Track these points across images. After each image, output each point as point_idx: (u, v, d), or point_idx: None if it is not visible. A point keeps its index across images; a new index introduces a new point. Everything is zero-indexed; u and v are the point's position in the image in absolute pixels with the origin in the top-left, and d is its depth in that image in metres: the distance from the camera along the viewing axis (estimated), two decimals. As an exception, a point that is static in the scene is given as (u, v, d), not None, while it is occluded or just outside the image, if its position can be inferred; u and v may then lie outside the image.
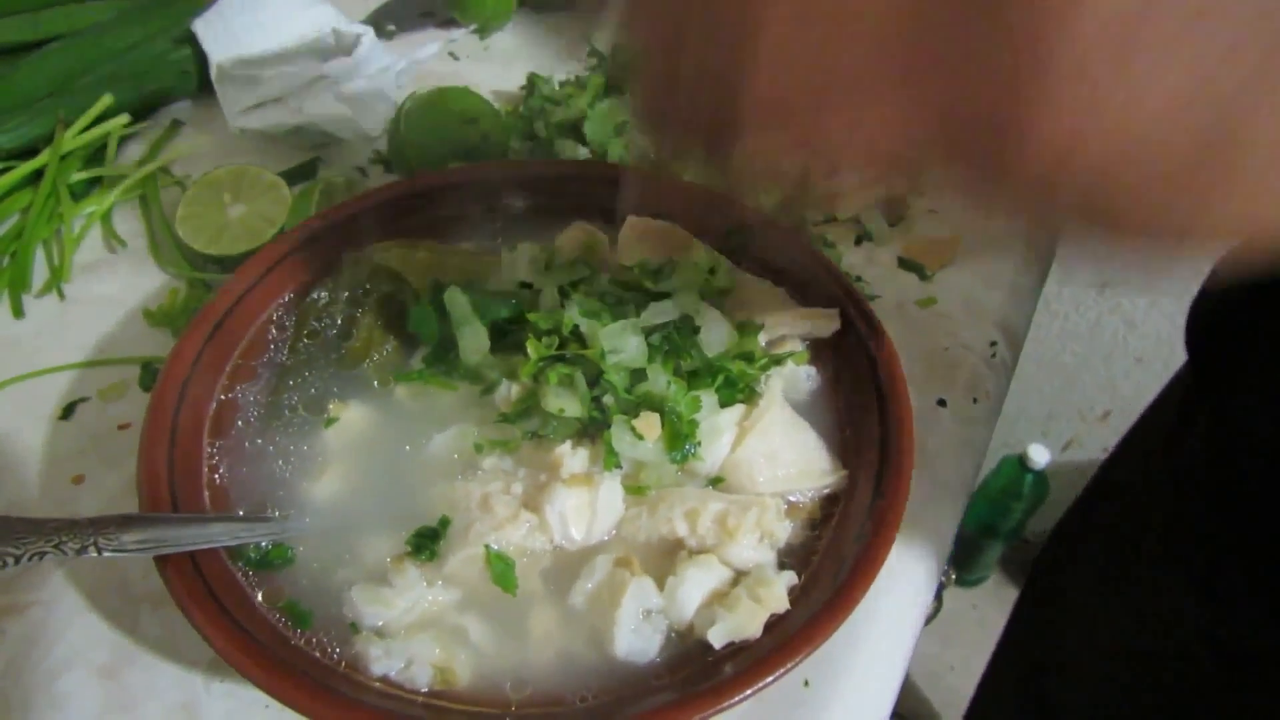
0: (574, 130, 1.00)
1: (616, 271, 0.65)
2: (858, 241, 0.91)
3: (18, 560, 0.45)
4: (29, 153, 0.97)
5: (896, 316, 0.81)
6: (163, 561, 0.51)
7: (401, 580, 0.53)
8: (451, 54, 1.18)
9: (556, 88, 1.10)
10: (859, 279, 0.84)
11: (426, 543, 0.55)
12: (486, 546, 0.54)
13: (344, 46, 0.99)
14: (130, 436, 0.75)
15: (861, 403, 0.64)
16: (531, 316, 0.60)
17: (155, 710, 0.59)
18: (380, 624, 0.52)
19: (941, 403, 0.75)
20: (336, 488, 0.59)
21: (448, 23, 1.20)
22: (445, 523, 0.56)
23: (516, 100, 1.09)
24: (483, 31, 1.21)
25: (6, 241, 0.91)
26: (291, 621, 0.52)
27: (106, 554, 0.48)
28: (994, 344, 0.79)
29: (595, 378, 0.58)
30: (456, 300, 0.61)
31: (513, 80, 1.13)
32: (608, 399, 0.57)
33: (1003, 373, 0.80)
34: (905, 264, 0.87)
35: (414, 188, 0.74)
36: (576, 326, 0.58)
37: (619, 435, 0.56)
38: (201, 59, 1.03)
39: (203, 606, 0.49)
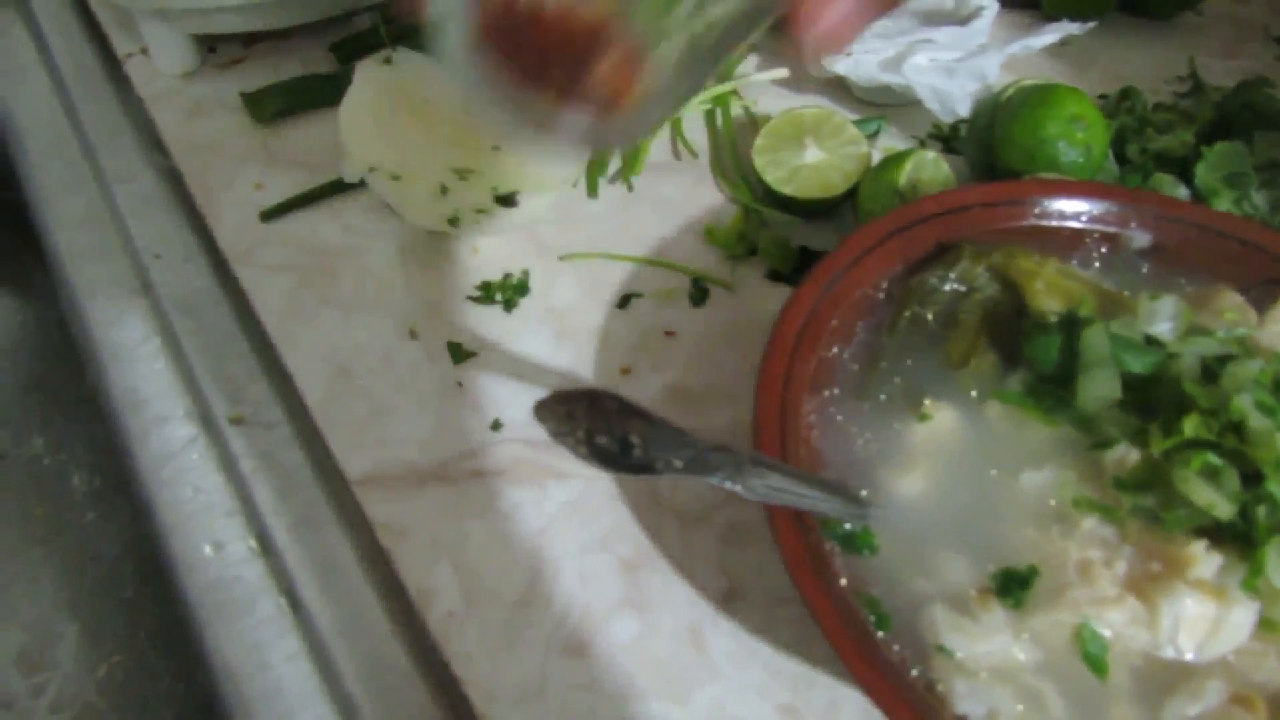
0: (1172, 165, 0.91)
1: (1270, 361, 0.57)
2: None
3: (667, 468, 0.47)
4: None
5: None
6: (773, 513, 0.51)
7: (987, 618, 0.50)
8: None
9: (1151, 108, 1.00)
10: None
11: (1014, 588, 0.52)
12: (1084, 621, 0.50)
13: (960, 15, 0.94)
14: (673, 345, 0.77)
15: None
16: (1190, 389, 0.54)
17: (667, 622, 0.61)
18: (960, 656, 0.50)
19: None
20: (920, 490, 0.57)
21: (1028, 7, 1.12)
22: (1035, 572, 0.52)
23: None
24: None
25: (593, 123, 0.96)
26: (873, 617, 0.51)
27: (727, 485, 0.49)
28: None
29: (1242, 479, 0.51)
30: (1097, 340, 0.56)
31: (1087, 87, 1.04)
32: (1261, 510, 0.50)
33: None
34: None
35: (1054, 193, 0.69)
36: (1244, 417, 0.51)
37: (1277, 560, 0.49)
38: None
39: (806, 571, 0.49)
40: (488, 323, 0.78)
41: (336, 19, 1.08)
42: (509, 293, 0.81)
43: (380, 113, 0.81)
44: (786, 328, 0.60)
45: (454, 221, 0.79)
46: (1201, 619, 0.49)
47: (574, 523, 0.66)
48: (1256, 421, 0.51)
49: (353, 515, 0.66)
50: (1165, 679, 0.50)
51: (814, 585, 0.49)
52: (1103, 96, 1.04)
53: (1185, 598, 0.49)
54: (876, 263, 0.66)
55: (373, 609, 0.62)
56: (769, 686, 0.59)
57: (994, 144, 0.89)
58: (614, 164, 0.94)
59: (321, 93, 0.98)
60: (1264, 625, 0.50)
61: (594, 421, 0.46)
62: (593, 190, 0.91)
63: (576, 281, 0.82)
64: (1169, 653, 0.50)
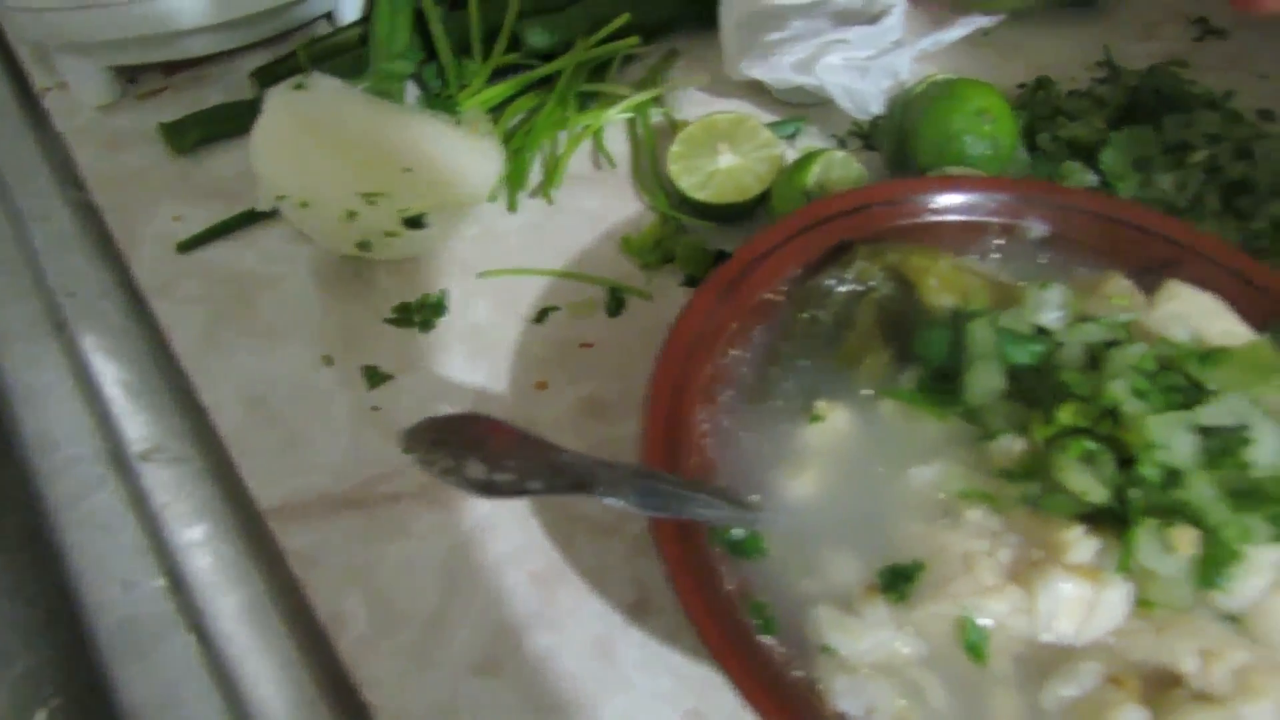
0: (1083, 152, 0.92)
1: (1155, 345, 0.58)
2: None
3: (543, 489, 0.47)
4: (541, 56, 1.02)
5: None
6: (656, 524, 0.52)
7: (871, 614, 0.51)
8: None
9: (1065, 96, 1.02)
10: None
11: (898, 582, 0.52)
12: (965, 612, 0.51)
13: (870, 14, 0.95)
14: (590, 357, 0.78)
15: None
16: (1067, 377, 0.54)
17: (577, 634, 0.62)
18: (843, 654, 0.50)
19: None
20: (810, 490, 0.57)
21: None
22: (919, 567, 0.53)
23: (1011, 100, 1.01)
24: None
25: (511, 138, 0.96)
26: (759, 621, 0.52)
27: (607, 500, 0.49)
28: None
29: (1120, 463, 0.52)
30: (982, 335, 0.57)
31: (1008, 76, 1.05)
32: (1133, 493, 0.51)
33: None
34: None
35: (943, 189, 0.70)
36: (1118, 403, 0.52)
37: (1147, 541, 0.50)
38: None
39: (687, 579, 0.50)
40: (404, 345, 0.79)
41: (259, 45, 1.08)
42: (426, 314, 0.81)
43: (291, 140, 0.81)
44: (678, 337, 0.61)
45: (365, 246, 0.79)
46: (1078, 602, 0.50)
47: (487, 541, 0.66)
48: (1130, 406, 0.52)
49: (264, 546, 0.66)
50: (1046, 664, 0.51)
51: (693, 593, 0.49)
52: (1024, 86, 1.05)
53: (1061, 582, 0.50)
54: (776, 266, 0.67)
55: (283, 640, 0.62)
56: (677, 693, 0.59)
57: (906, 140, 0.90)
58: (534, 177, 0.94)
59: (242, 120, 0.97)
60: (1141, 605, 0.51)
61: (464, 447, 0.47)
62: (512, 205, 0.91)
63: (494, 298, 0.83)
64: (1049, 637, 0.51)
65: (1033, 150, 0.93)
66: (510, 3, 1.02)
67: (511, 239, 0.88)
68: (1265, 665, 0.48)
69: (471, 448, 0.47)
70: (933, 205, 0.70)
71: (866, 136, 1.00)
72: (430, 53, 1.04)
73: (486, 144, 0.86)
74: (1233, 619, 0.51)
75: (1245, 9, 0.46)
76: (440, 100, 0.97)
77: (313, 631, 0.62)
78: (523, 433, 0.49)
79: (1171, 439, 0.51)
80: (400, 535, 0.66)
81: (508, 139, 0.96)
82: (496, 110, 0.99)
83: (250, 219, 0.88)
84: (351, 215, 0.77)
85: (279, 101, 0.83)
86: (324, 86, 0.85)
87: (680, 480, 0.53)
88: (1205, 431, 0.53)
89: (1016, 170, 0.89)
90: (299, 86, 0.84)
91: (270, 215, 0.87)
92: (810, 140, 0.99)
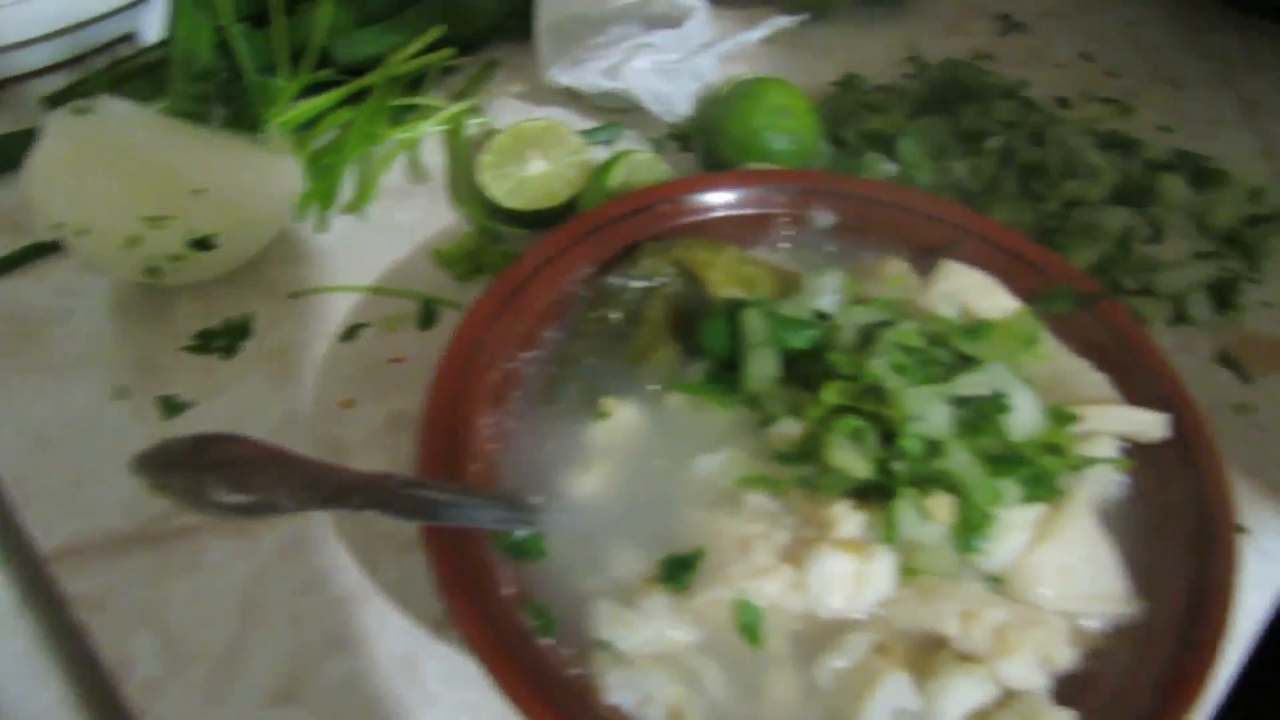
0: (884, 143, 0.94)
1: (925, 321, 0.60)
2: (1173, 322, 0.82)
3: (298, 506, 0.46)
4: (356, 71, 1.01)
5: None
6: (428, 533, 0.51)
7: (649, 606, 0.51)
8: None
9: (869, 92, 1.05)
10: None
11: (678, 572, 0.53)
12: (740, 595, 0.51)
13: (672, 18, 0.97)
14: (400, 372, 0.77)
15: (1170, 528, 0.57)
16: (834, 358, 0.56)
17: (380, 654, 0.61)
18: (619, 648, 0.50)
19: (1239, 529, 0.66)
20: (596, 488, 0.57)
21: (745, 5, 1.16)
22: (699, 555, 0.53)
23: (823, 97, 1.04)
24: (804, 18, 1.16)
25: (322, 155, 0.95)
26: (538, 623, 0.51)
27: (367, 511, 0.48)
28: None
29: (886, 437, 0.54)
30: (753, 323, 0.58)
31: (821, 75, 1.08)
32: (897, 465, 0.52)
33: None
34: (1225, 360, 0.77)
35: (725, 185, 0.71)
36: (879, 380, 0.54)
37: (905, 511, 0.51)
38: (528, 4, 1.03)
39: (458, 590, 0.49)
40: (205, 372, 0.76)
41: (54, 69, 1.03)
42: (228, 338, 0.79)
43: (68, 166, 0.77)
44: (458, 344, 0.60)
45: (153, 272, 0.76)
46: (846, 576, 0.51)
47: (286, 567, 0.64)
48: (891, 382, 0.53)
49: (44, 593, 0.63)
50: (820, 639, 0.52)
51: (463, 601, 0.49)
52: (836, 84, 1.07)
53: (829, 558, 0.51)
54: (565, 268, 0.67)
55: (62, 690, 0.59)
56: (482, 704, 0.58)
57: (713, 139, 0.91)
58: (348, 193, 0.92)
59: (29, 149, 0.93)
60: (908, 574, 0.52)
61: (205, 469, 0.45)
62: (320, 225, 0.89)
63: (302, 318, 0.81)
64: (822, 613, 0.52)
65: (837, 143, 0.96)
66: (318, 20, 1.00)
67: (323, 257, 0.86)
68: (1021, 621, 0.50)
69: (214, 469, 0.45)
70: (718, 200, 0.71)
71: (682, 138, 1.01)
72: (237, 71, 1.01)
73: (284, 162, 0.84)
74: (995, 580, 0.53)
75: None
76: (244, 119, 0.94)
77: (97, 678, 0.59)
78: (275, 449, 0.47)
79: (928, 410, 0.52)
80: (195, 569, 0.64)
81: (318, 156, 0.94)
82: (307, 127, 0.96)
83: (38, 252, 0.84)
84: (133, 240, 0.74)
85: (57, 127, 0.79)
86: (112, 110, 0.82)
87: (453, 487, 0.53)
88: (966, 402, 0.55)
89: (820, 163, 0.92)
90: (80, 110, 0.80)
91: (61, 247, 0.83)
92: (628, 144, 0.99)
